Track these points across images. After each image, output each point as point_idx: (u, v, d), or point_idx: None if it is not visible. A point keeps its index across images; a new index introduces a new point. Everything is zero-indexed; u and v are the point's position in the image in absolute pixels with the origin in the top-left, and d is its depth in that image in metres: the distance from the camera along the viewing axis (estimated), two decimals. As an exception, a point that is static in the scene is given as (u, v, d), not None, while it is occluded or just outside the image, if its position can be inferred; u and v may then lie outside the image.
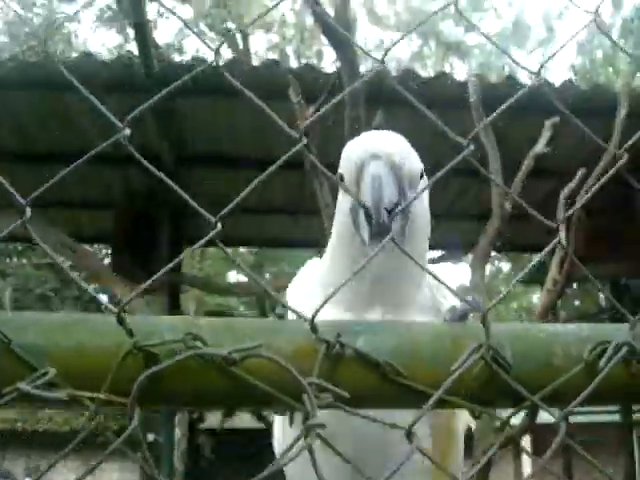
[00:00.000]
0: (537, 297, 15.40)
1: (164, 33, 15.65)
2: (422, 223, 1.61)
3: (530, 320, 14.62)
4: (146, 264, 6.64)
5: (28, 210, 0.90)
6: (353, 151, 1.55)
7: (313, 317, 0.92)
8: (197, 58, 5.85)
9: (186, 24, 4.71)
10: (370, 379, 0.93)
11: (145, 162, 0.99)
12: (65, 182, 6.44)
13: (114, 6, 14.32)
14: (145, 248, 6.66)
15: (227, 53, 14.42)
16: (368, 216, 1.43)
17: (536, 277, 10.56)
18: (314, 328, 0.91)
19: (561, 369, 0.96)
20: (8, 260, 15.97)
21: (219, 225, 0.94)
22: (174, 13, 2.70)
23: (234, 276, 14.72)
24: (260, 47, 16.13)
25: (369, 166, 1.49)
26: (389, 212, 1.41)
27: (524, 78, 6.47)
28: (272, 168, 1.03)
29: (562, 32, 16.01)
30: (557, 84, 5.63)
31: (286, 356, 0.88)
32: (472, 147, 1.17)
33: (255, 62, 6.42)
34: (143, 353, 0.83)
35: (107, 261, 10.15)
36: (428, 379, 0.93)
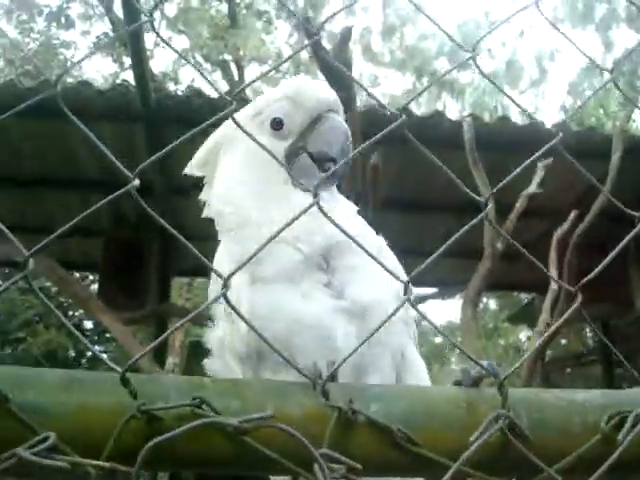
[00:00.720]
0: (524, 335, 15.37)
1: (160, 62, 15.75)
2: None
3: (518, 357, 14.58)
4: (134, 293, 6.58)
5: (31, 262, 0.86)
6: (308, 101, 1.59)
7: (325, 381, 0.88)
8: (192, 89, 5.87)
9: (184, 57, 4.72)
10: (383, 447, 0.89)
11: (150, 210, 0.95)
12: (54, 208, 6.41)
13: (111, 34, 14.41)
14: (133, 277, 6.60)
15: (223, 85, 14.53)
16: (319, 163, 1.55)
17: (523, 315, 10.58)
18: (325, 393, 0.88)
19: (578, 439, 0.93)
20: (-7, 283, 15.80)
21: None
22: (170, 45, 2.69)
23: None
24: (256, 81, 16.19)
25: (330, 120, 1.59)
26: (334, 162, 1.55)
27: (516, 118, 6.53)
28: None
29: (554, 73, 16.21)
30: (549, 125, 5.68)
31: (296, 422, 0.85)
32: (490, 204, 1.15)
33: (251, 95, 6.43)
34: (147, 416, 0.80)
35: (95, 288, 10.07)
36: (443, 447, 0.89)
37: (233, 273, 0.94)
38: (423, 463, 0.88)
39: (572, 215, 4.55)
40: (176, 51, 1.56)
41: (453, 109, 15.15)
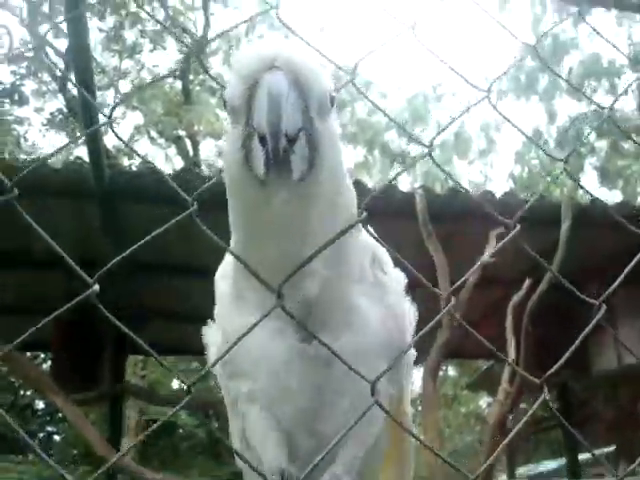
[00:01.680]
0: (485, 402, 15.36)
1: (114, 137, 15.86)
2: (333, 162, 1.28)
3: (479, 425, 14.50)
4: (87, 372, 6.42)
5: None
6: (241, 64, 1.23)
7: None
8: (146, 164, 5.88)
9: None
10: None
11: (112, 317, 0.95)
12: (4, 286, 6.27)
13: (65, 109, 14.46)
14: (86, 355, 6.44)
15: (177, 160, 14.64)
16: (263, 143, 1.15)
17: (483, 382, 10.60)
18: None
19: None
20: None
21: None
22: (113, 131, 2.72)
23: (177, 383, 14.32)
24: (209, 153, 16.41)
25: (265, 79, 1.17)
26: (290, 141, 1.14)
27: (467, 186, 6.70)
28: None
29: (501, 143, 16.78)
30: (499, 194, 5.82)
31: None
32: (453, 301, 1.17)
33: (205, 171, 6.48)
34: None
35: (46, 367, 9.79)
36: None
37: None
38: None
39: (526, 283, 4.64)
40: (136, 152, 1.56)
41: (404, 181, 15.50)
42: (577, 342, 1.15)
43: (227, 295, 1.51)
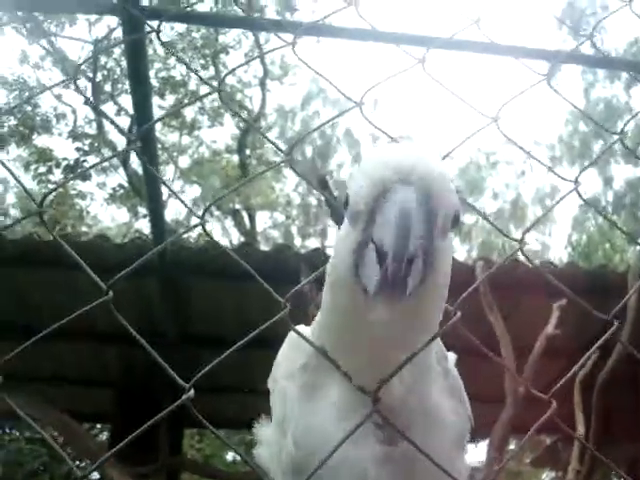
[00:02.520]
0: (548, 477, 14.71)
1: (173, 210, 16.28)
2: (444, 280, 1.23)
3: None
4: (145, 445, 6.40)
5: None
6: (373, 168, 1.16)
7: None
8: (208, 240, 5.99)
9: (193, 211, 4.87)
10: None
11: (206, 422, 0.95)
12: (64, 359, 6.38)
13: (126, 185, 14.94)
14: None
15: (234, 232, 14.91)
16: (381, 260, 1.07)
17: (547, 458, 10.18)
18: None
19: None
20: (1, 432, 15.47)
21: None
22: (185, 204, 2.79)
23: (231, 456, 14.18)
24: (265, 225, 16.68)
25: (396, 194, 1.10)
26: (409, 261, 1.06)
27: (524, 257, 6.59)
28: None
29: (558, 210, 16.60)
30: (560, 265, 5.72)
31: None
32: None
33: (261, 241, 6.56)
34: None
35: (103, 439, 9.83)
36: None
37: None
38: None
39: (594, 356, 4.49)
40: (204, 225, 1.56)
41: (461, 250, 15.40)
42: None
43: (295, 397, 1.44)
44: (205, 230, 1.34)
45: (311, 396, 1.40)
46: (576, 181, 1.25)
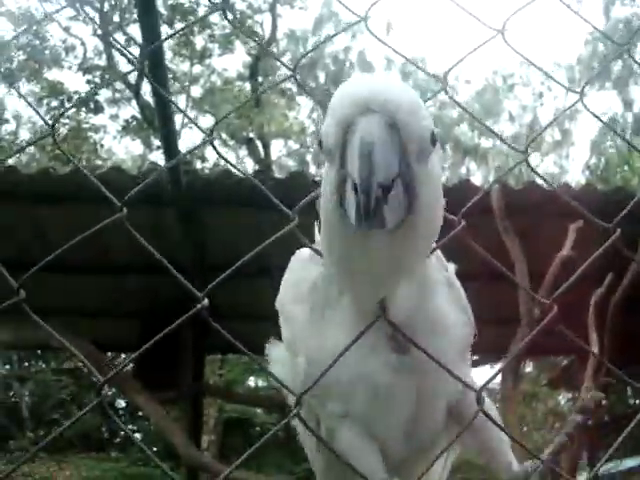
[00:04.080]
0: (563, 398, 14.97)
1: (187, 141, 16.23)
2: (432, 205, 1.22)
3: (559, 422, 14.15)
4: (169, 372, 6.58)
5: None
6: (337, 105, 1.16)
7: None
8: (222, 169, 5.98)
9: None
10: None
11: (217, 326, 0.98)
12: (87, 292, 6.49)
13: (139, 116, 14.85)
14: (168, 356, 6.61)
15: (249, 161, 14.86)
16: (356, 191, 1.07)
17: (562, 379, 10.34)
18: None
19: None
20: (27, 364, 15.91)
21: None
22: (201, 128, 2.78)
23: (253, 381, 14.54)
24: (279, 153, 16.57)
25: (358, 125, 1.09)
26: (385, 190, 1.07)
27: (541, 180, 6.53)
28: None
29: (576, 134, 16.33)
30: (577, 188, 5.67)
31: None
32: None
33: (276, 170, 6.54)
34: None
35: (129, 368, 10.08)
36: None
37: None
38: None
39: (608, 278, 4.50)
40: (223, 157, 1.54)
41: (477, 175, 15.28)
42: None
43: (304, 319, 1.49)
44: (214, 147, 1.34)
45: (321, 316, 1.45)
46: (582, 92, 1.23)
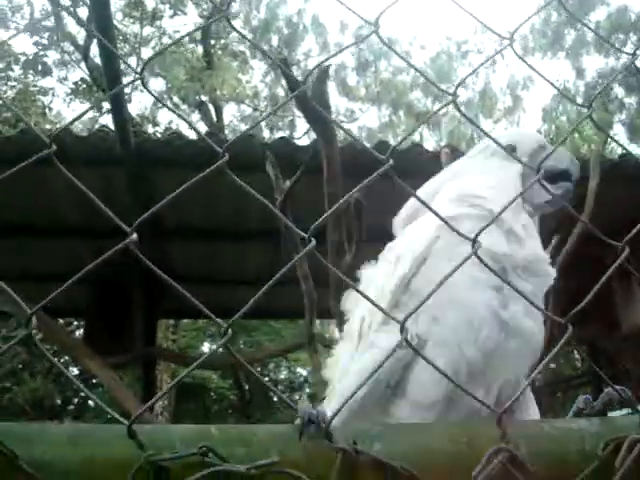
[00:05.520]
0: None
1: (138, 105, 15.86)
2: None
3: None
4: (120, 337, 6.54)
5: (34, 320, 0.88)
6: (529, 139, 1.81)
7: (329, 423, 0.90)
8: (172, 131, 5.91)
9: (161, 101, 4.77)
10: (388, 485, 0.90)
11: (153, 266, 0.97)
12: (36, 256, 6.38)
13: (88, 79, 14.48)
14: (119, 320, 6.56)
15: (201, 126, 14.62)
16: (551, 181, 1.58)
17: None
18: (329, 435, 0.89)
19: (577, 467, 0.95)
20: (-24, 333, 15.57)
21: (230, 331, 0.92)
22: (153, 94, 2.73)
23: (207, 347, 14.53)
24: (232, 118, 16.38)
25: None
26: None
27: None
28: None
29: (528, 100, 16.50)
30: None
31: (302, 466, 0.86)
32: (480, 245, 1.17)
33: (229, 134, 6.49)
34: (155, 467, 0.81)
35: (80, 334, 9.98)
36: (446, 483, 0.91)
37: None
38: (427, 499, 0.90)
39: (554, 240, 4.60)
40: (169, 108, 1.54)
41: (430, 140, 15.35)
42: (602, 280, 1.16)
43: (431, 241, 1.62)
44: (145, 85, 1.31)
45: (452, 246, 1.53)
46: (511, 38, 1.25)
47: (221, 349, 0.97)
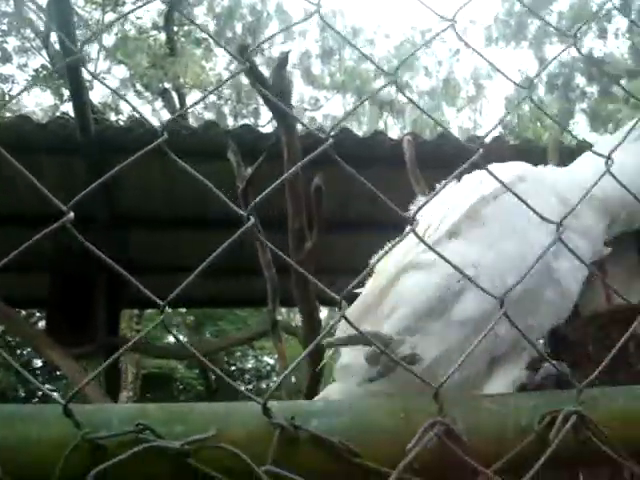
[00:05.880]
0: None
1: (100, 92, 15.64)
2: None
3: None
4: (82, 327, 6.47)
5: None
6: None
7: (266, 401, 0.90)
8: (133, 118, 5.84)
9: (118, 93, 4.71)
10: (326, 460, 0.91)
11: (87, 243, 0.96)
12: (-3, 245, 6.27)
13: (49, 66, 14.24)
14: (81, 310, 6.48)
15: (164, 113, 14.48)
16: None
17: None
18: (267, 412, 0.90)
19: (513, 440, 0.97)
20: None
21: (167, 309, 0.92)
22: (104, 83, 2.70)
23: (172, 338, 14.46)
24: (197, 107, 16.22)
25: None
26: None
27: (456, 134, 6.67)
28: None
29: (491, 88, 16.64)
30: (488, 139, 5.81)
31: (240, 442, 0.87)
32: (417, 222, 1.18)
33: (193, 123, 6.44)
34: (91, 445, 0.81)
35: (42, 325, 9.85)
36: (383, 457, 0.92)
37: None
38: (365, 473, 0.91)
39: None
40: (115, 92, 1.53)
41: (394, 129, 15.40)
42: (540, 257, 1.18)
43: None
44: (85, 66, 1.30)
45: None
46: (453, 19, 1.25)
47: (185, 338, 0.96)
